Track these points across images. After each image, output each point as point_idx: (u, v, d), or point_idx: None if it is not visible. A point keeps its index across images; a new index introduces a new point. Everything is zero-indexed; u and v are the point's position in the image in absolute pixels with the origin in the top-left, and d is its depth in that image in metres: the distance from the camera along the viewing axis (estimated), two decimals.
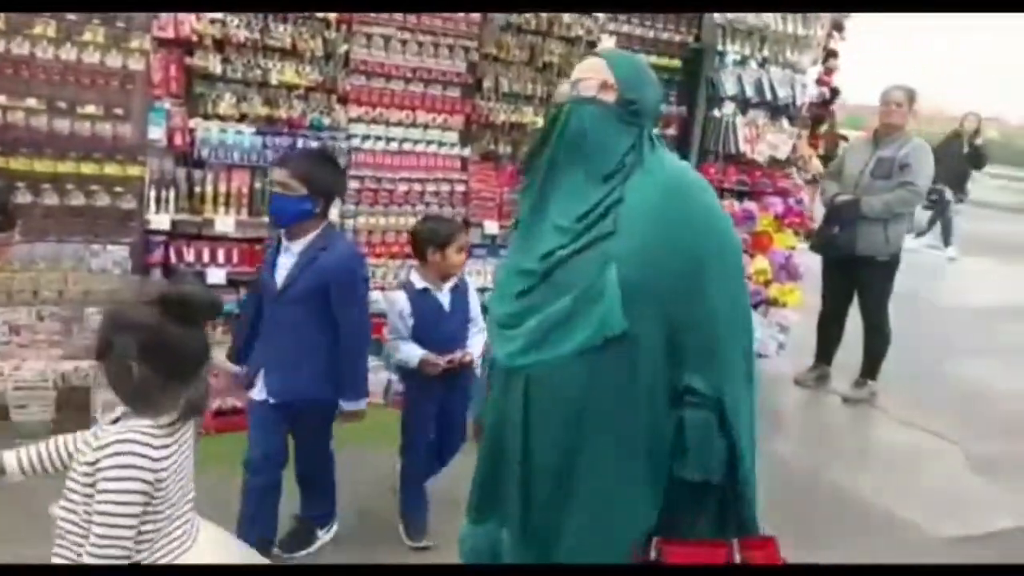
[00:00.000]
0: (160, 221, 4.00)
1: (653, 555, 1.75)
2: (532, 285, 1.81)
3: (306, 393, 2.81)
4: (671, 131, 5.33)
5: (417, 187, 4.69)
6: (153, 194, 3.98)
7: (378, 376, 4.56)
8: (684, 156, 5.15)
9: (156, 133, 3.95)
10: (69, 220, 3.83)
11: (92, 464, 1.69)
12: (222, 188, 4.13)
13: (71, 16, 3.69)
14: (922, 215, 10.40)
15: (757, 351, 5.53)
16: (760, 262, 5.53)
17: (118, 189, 3.89)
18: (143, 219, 3.96)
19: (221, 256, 4.14)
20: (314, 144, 4.33)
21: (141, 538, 1.73)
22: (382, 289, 4.69)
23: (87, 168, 3.80)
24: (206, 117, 4.07)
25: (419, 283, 3.14)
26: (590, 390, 1.74)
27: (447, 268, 3.13)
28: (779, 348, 5.73)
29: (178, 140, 4.01)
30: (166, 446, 1.73)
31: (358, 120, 4.47)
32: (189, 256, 4.05)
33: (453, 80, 4.67)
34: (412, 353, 3.06)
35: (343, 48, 4.31)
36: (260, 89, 4.17)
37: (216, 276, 4.10)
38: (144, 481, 1.68)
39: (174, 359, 1.76)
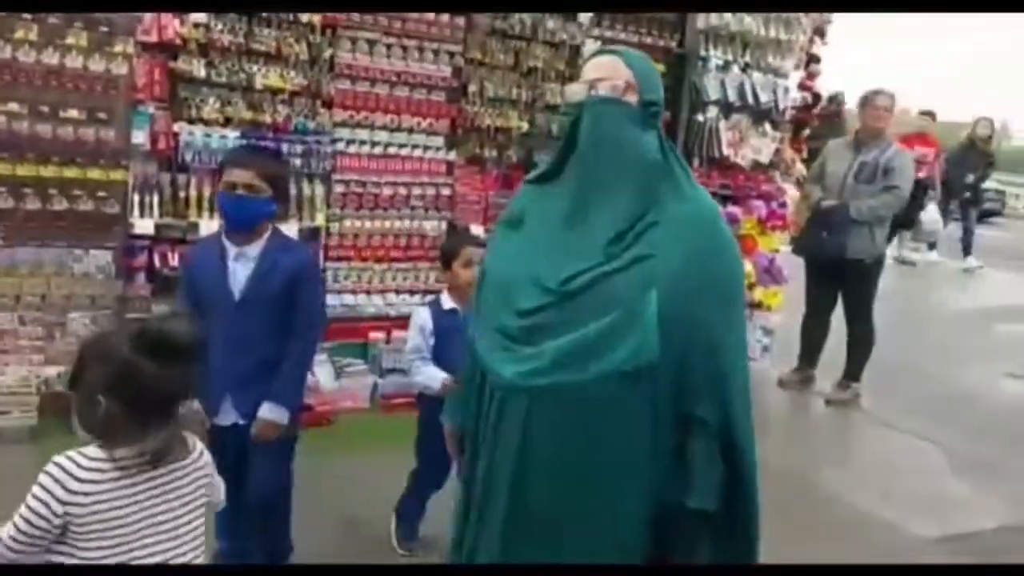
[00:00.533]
0: (144, 226, 3.99)
1: None
2: (549, 303, 1.67)
3: None
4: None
5: (402, 191, 4.70)
6: (137, 198, 3.97)
7: (364, 380, 4.56)
8: None
9: (140, 137, 3.95)
10: (52, 224, 3.82)
11: None
12: (206, 192, 4.11)
13: (53, 19, 3.68)
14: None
15: None
16: (744, 266, 5.56)
17: (101, 193, 3.87)
18: (127, 223, 3.95)
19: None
20: (299, 148, 4.34)
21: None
22: (367, 293, 4.71)
23: (70, 172, 3.80)
24: (190, 121, 4.06)
25: (447, 303, 2.98)
26: (603, 416, 1.65)
27: (454, 284, 2.98)
28: (763, 351, 5.77)
29: (162, 144, 4.01)
30: (86, 490, 1.60)
31: (343, 124, 4.47)
32: (173, 261, 4.04)
33: (438, 84, 4.68)
34: (434, 376, 2.87)
35: (328, 52, 4.32)
36: (244, 93, 4.17)
37: None
38: (47, 506, 1.58)
39: (143, 397, 1.65)
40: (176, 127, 4.03)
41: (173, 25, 3.90)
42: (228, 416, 2.60)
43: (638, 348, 1.61)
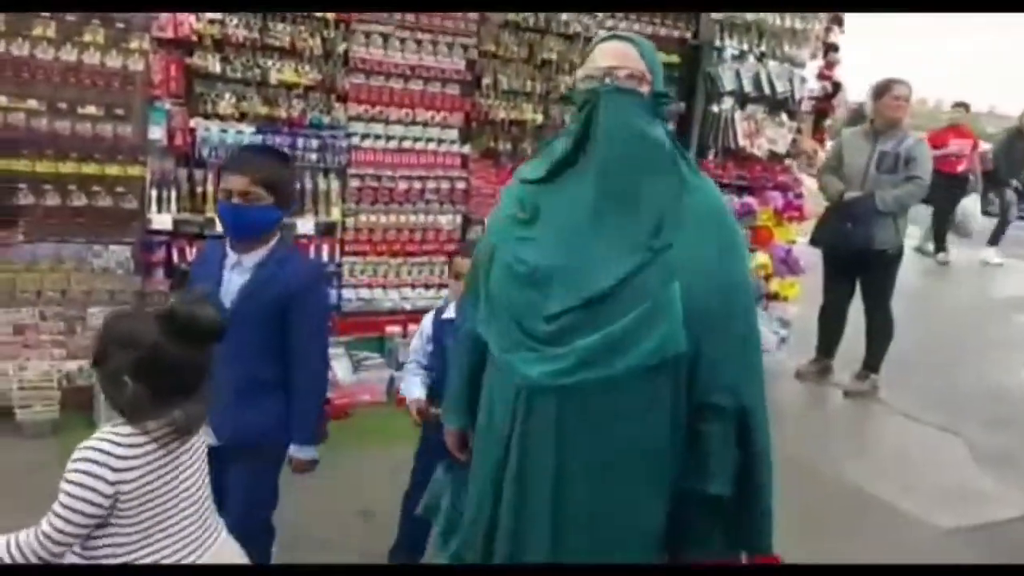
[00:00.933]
0: (162, 221, 4.02)
1: None
2: (579, 306, 1.65)
3: (260, 434, 2.39)
4: (670, 127, 5.32)
5: (417, 185, 4.71)
6: (154, 194, 4.00)
7: (381, 374, 4.58)
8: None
9: (157, 133, 3.97)
10: (71, 221, 3.85)
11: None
12: None
13: (71, 17, 3.71)
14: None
15: None
16: (761, 257, 5.54)
17: (120, 189, 3.91)
18: (145, 219, 3.98)
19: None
20: (314, 143, 4.35)
21: (116, 544, 1.70)
22: (383, 287, 4.73)
23: (88, 168, 3.82)
24: (206, 117, 4.09)
25: (449, 312, 2.83)
26: (630, 410, 1.66)
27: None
28: (780, 342, 5.74)
29: (179, 140, 4.03)
30: (131, 464, 1.67)
31: (358, 118, 4.48)
32: (191, 256, 4.06)
33: (452, 77, 4.68)
34: (411, 391, 2.81)
35: (342, 46, 4.33)
36: (259, 88, 4.19)
37: None
38: (97, 491, 1.63)
39: (169, 378, 1.71)
40: (192, 123, 4.05)
41: (189, 21, 3.92)
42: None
43: (664, 341, 1.61)
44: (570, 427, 1.66)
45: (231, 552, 1.93)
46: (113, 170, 3.87)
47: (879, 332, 5.42)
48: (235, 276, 2.38)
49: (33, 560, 1.63)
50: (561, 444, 1.67)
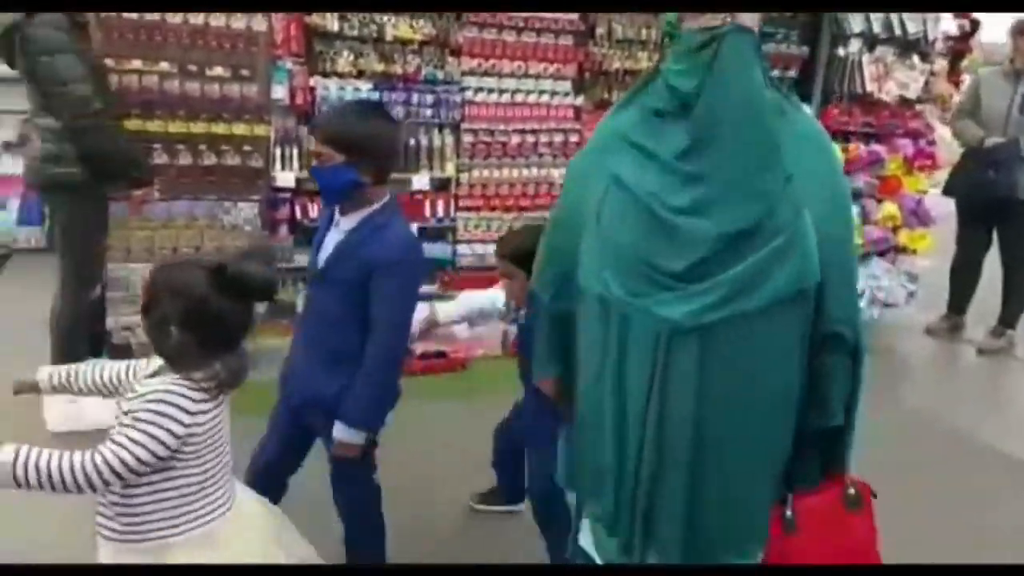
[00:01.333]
0: (285, 178, 4.15)
1: (788, 513, 1.72)
2: (721, 242, 1.60)
3: (328, 406, 2.25)
4: (792, 73, 5.10)
5: (530, 139, 4.68)
6: (278, 152, 4.12)
7: (495, 327, 4.61)
8: (807, 99, 4.94)
9: (279, 92, 4.08)
10: (203, 179, 4.01)
11: (127, 413, 1.70)
12: None
13: None
14: None
15: (885, 300, 5.31)
16: (889, 207, 5.27)
17: (247, 148, 4.04)
18: (269, 177, 4.12)
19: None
20: (429, 98, 4.38)
21: (179, 496, 1.76)
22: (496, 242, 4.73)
23: (218, 128, 3.96)
24: (325, 75, 4.17)
25: (517, 315, 2.72)
26: (767, 347, 1.64)
27: None
28: (908, 297, 5.48)
29: (299, 99, 4.13)
30: (202, 408, 1.74)
31: (471, 72, 4.48)
32: (313, 212, 4.19)
33: (565, 28, 4.60)
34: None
35: None
36: (376, 45, 4.23)
37: None
38: (172, 433, 1.68)
39: (215, 330, 1.74)
40: (312, 81, 4.15)
41: None
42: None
43: (801, 271, 1.59)
44: (711, 369, 1.63)
45: (251, 501, 1.99)
46: (240, 129, 4.00)
47: (1019, 287, 5.10)
48: (331, 237, 2.29)
49: (76, 481, 1.62)
50: (702, 387, 1.64)
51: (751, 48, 1.64)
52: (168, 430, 1.68)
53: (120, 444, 1.65)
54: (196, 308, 1.72)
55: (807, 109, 1.84)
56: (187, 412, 1.71)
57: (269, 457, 2.43)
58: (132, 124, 3.79)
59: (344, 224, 2.26)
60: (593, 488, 1.86)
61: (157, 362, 1.83)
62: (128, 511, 1.75)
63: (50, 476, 1.62)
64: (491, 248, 4.72)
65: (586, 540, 1.96)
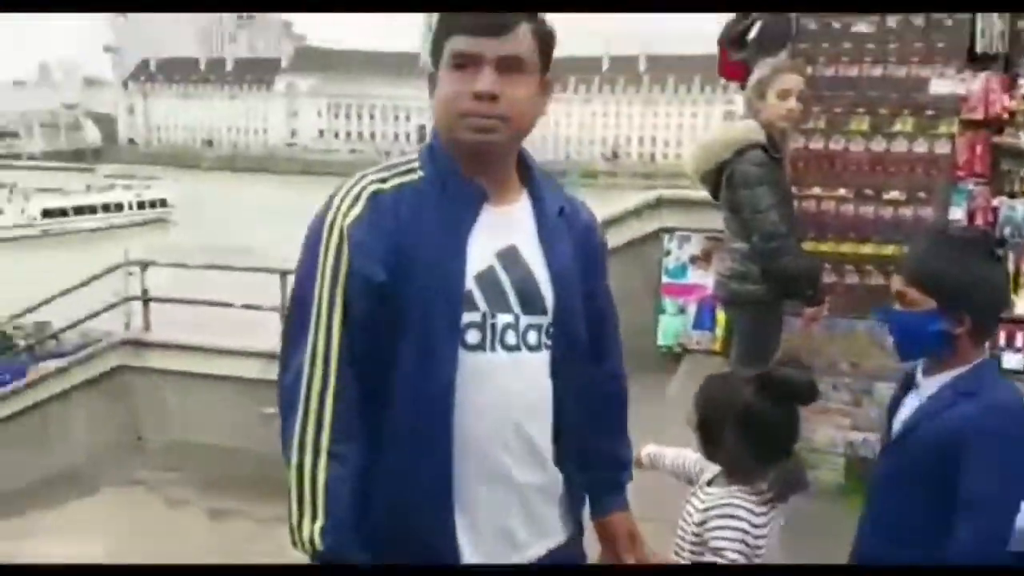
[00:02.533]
0: None
1: None
2: None
3: None
4: None
5: None
6: None
7: None
8: None
9: (956, 213, 3.96)
10: (865, 299, 4.07)
11: (700, 524, 1.82)
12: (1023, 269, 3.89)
13: (883, 111, 3.97)
14: None
15: None
16: None
17: None
18: None
19: (1020, 340, 3.89)
20: None
21: None
22: None
23: (887, 251, 4.00)
24: (1011, 195, 3.91)
25: None
26: None
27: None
28: None
29: (979, 219, 3.94)
30: (764, 515, 1.80)
31: None
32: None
33: None
34: None
35: None
36: None
37: (1012, 361, 3.88)
38: (746, 545, 1.77)
39: (765, 437, 1.81)
40: (996, 201, 3.93)
41: (1001, 100, 3.82)
42: None
43: None
44: None
45: None
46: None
47: None
48: (910, 401, 1.99)
49: None
50: None
51: None
52: (743, 543, 1.79)
53: (730, 547, 1.81)
54: (744, 414, 1.82)
55: None
56: (755, 526, 1.80)
57: None
58: (807, 245, 4.06)
59: (928, 386, 1.92)
60: None
61: (709, 473, 1.97)
62: None
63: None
64: None
65: None
